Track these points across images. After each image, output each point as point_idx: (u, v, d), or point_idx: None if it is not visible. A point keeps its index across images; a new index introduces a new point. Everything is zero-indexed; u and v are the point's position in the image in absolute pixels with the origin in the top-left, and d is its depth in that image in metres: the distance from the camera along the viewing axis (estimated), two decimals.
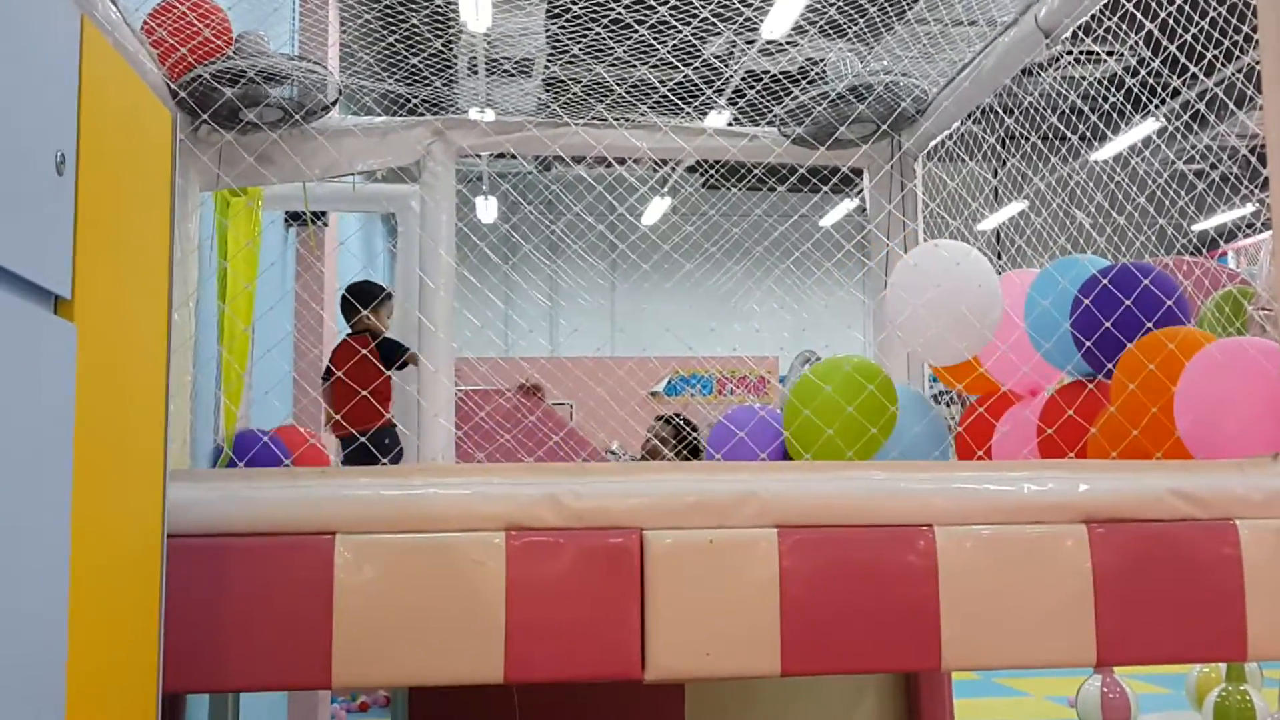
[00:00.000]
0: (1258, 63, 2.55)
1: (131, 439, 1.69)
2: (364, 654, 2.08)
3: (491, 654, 2.09)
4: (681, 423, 6.13)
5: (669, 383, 13.50)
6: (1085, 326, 3.12)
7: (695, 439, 5.93)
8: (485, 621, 2.10)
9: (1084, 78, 6.28)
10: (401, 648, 2.09)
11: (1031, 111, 4.60)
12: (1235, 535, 2.27)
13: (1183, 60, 3.33)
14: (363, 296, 5.74)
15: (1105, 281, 3.07)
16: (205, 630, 2.06)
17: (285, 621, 2.08)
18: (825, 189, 4.10)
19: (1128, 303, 3.02)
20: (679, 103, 4.62)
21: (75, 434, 1.43)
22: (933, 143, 4.55)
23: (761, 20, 7.48)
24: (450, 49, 8.98)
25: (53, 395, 1.38)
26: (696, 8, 4.23)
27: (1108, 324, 3.02)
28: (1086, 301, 3.10)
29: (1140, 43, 3.57)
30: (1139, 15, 3.34)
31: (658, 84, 4.34)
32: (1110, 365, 3.03)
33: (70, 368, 1.43)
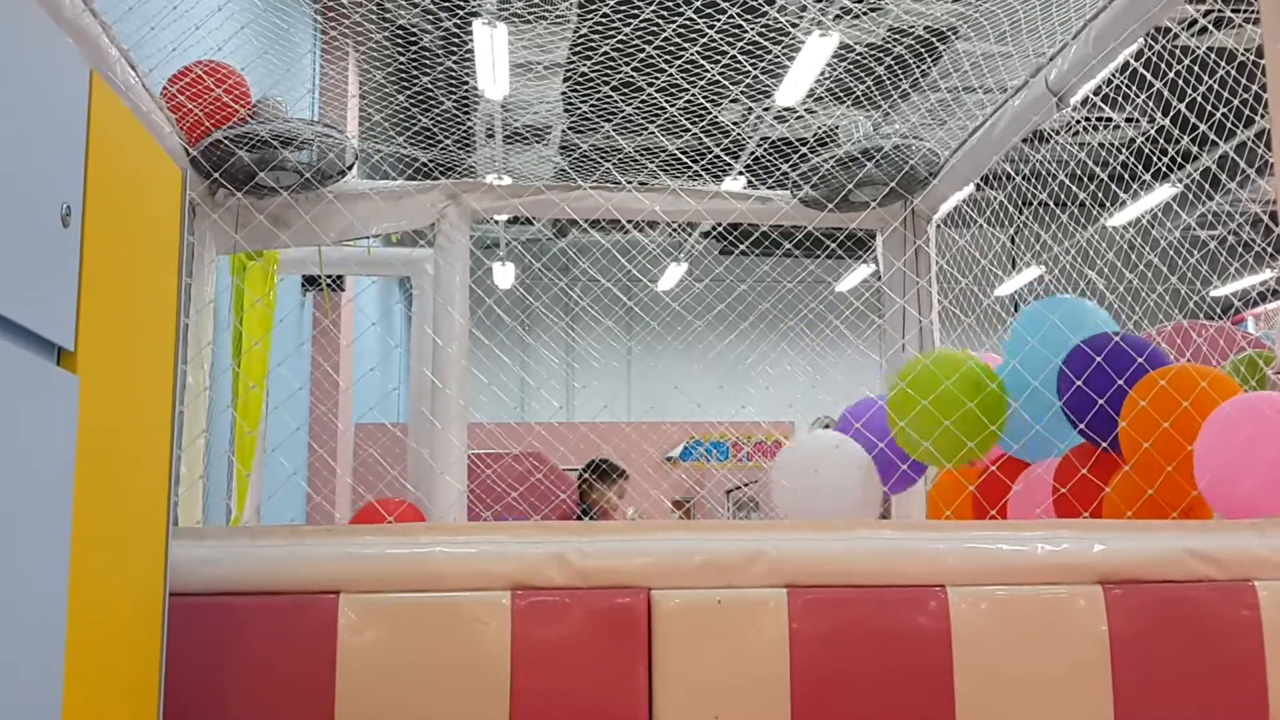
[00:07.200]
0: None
1: (134, 494, 1.67)
2: (367, 716, 2.05)
3: (496, 717, 2.06)
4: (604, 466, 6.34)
5: (684, 448, 13.42)
6: (1077, 404, 3.09)
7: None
8: (490, 684, 2.06)
9: (1099, 143, 6.30)
10: (405, 710, 2.05)
11: (1046, 176, 4.61)
12: (1254, 597, 2.22)
13: (1192, 119, 3.34)
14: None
15: (1099, 358, 3.05)
16: (206, 691, 2.03)
17: (288, 682, 2.05)
18: (833, 247, 4.10)
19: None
20: (692, 164, 4.64)
21: (75, 487, 1.41)
22: (946, 205, 4.55)
23: (776, 87, 7.55)
24: (468, 116, 9.07)
25: (53, 446, 1.37)
26: (707, 69, 4.27)
27: (1101, 401, 2.99)
28: (1078, 382, 3.07)
29: (1152, 105, 3.58)
30: (1148, 75, 3.35)
31: (669, 145, 4.36)
32: (1105, 444, 3.00)
33: (72, 420, 1.41)
